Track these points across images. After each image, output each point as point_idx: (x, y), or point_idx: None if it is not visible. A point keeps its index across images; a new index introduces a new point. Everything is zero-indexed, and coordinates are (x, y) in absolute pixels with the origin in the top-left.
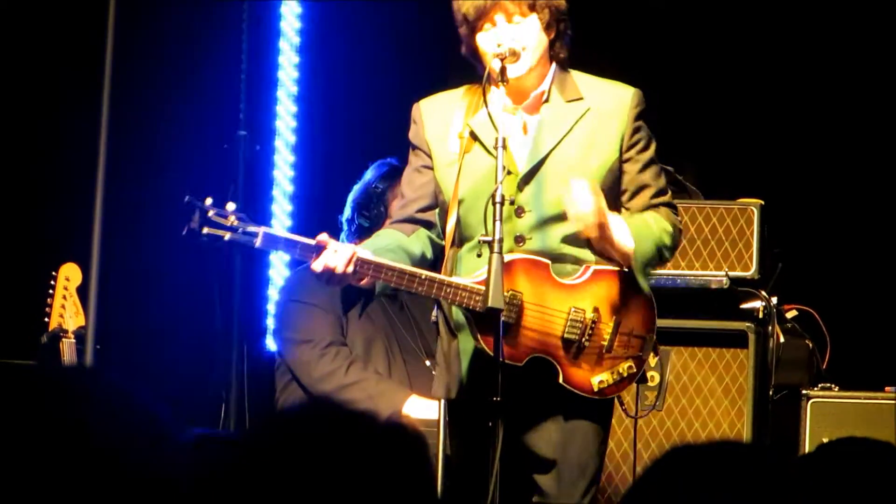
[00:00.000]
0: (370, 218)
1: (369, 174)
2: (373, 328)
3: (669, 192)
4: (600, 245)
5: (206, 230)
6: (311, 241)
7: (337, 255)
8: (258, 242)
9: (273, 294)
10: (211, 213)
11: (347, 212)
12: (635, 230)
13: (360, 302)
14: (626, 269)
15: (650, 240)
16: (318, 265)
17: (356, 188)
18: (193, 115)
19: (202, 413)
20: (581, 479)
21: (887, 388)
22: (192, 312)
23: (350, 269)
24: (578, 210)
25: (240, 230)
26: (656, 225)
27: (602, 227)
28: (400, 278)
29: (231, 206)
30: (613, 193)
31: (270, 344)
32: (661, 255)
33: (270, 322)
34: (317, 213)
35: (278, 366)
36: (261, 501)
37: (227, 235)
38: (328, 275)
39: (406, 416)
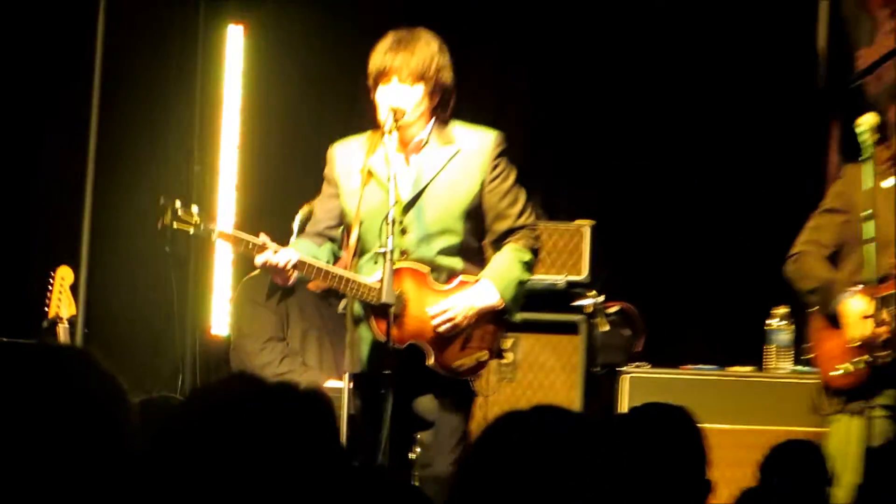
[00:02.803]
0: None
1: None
2: (308, 324)
3: (528, 213)
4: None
5: (175, 225)
6: (258, 240)
7: (277, 254)
8: (215, 236)
9: (221, 283)
10: (180, 212)
11: (295, 227)
12: (499, 284)
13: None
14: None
15: (512, 283)
16: (260, 259)
17: (303, 211)
18: (162, 141)
19: (164, 381)
20: (452, 437)
21: (682, 366)
22: (157, 302)
23: (287, 264)
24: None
25: (201, 226)
26: (515, 264)
27: (469, 318)
28: (319, 274)
29: (195, 208)
30: (479, 218)
31: (218, 325)
32: (524, 284)
33: (218, 305)
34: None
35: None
36: (200, 456)
37: (192, 230)
38: (268, 267)
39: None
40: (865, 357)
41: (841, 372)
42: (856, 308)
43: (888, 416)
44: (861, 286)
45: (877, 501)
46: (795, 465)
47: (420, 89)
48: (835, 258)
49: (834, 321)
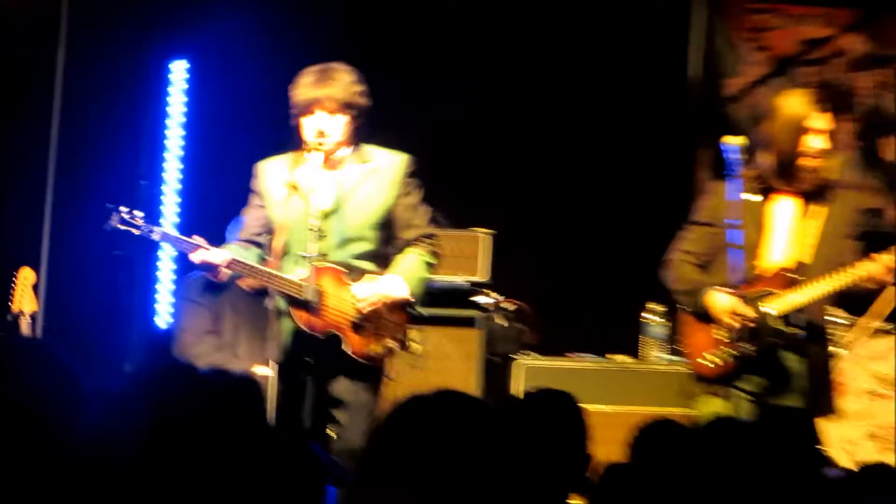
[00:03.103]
0: None
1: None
2: (239, 319)
3: (431, 225)
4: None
5: (122, 227)
6: (194, 241)
7: (211, 253)
8: (157, 237)
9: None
10: (126, 216)
11: (228, 235)
12: (408, 278)
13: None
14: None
15: (417, 280)
16: (196, 258)
17: (235, 221)
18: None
19: (115, 370)
20: (364, 415)
21: (567, 355)
22: (108, 299)
23: (221, 262)
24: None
25: (145, 228)
26: (420, 265)
27: (386, 305)
28: (249, 271)
29: (139, 213)
30: (389, 228)
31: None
32: (426, 283)
33: (162, 302)
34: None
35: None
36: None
37: (137, 231)
38: (204, 265)
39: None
40: (731, 349)
41: (707, 361)
42: (724, 306)
43: (750, 400)
44: (729, 287)
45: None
46: (660, 442)
47: (342, 118)
48: (705, 265)
49: (702, 317)
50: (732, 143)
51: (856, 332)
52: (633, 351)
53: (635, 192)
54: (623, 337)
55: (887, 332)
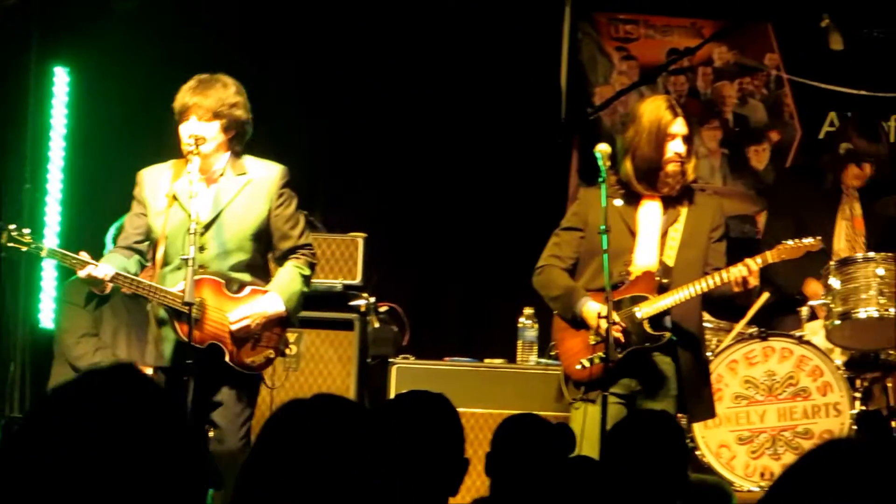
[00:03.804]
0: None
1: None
2: (118, 321)
3: (307, 234)
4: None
5: (10, 244)
6: (80, 258)
7: (97, 268)
8: (44, 254)
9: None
10: (14, 233)
11: (109, 240)
12: (284, 295)
13: (104, 301)
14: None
15: (294, 295)
16: (83, 273)
17: (115, 226)
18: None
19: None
20: (241, 418)
21: (445, 358)
22: None
23: (105, 277)
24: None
25: (33, 245)
26: (297, 279)
27: (261, 324)
28: (132, 285)
29: (27, 230)
30: (266, 238)
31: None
32: (303, 295)
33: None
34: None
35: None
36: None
37: (24, 248)
38: (89, 279)
39: None
40: (601, 353)
41: (581, 366)
42: (593, 311)
43: (620, 402)
44: (599, 292)
45: (615, 474)
46: (522, 437)
47: (216, 125)
48: (574, 270)
49: (574, 323)
50: (601, 150)
51: (730, 337)
52: (511, 355)
53: (512, 198)
54: (501, 341)
55: (761, 338)
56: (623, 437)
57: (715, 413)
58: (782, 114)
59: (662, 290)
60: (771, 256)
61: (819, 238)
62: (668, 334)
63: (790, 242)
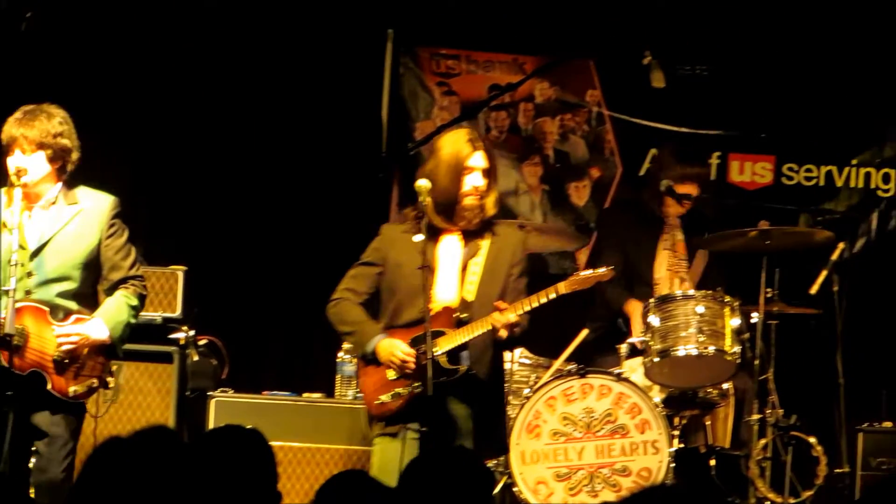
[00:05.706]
0: None
1: None
2: None
3: (138, 266)
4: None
5: None
6: None
7: None
8: None
9: None
10: None
11: None
12: (109, 323)
13: None
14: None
15: (120, 324)
16: None
17: None
18: None
19: None
20: (64, 448)
21: (264, 392)
22: None
23: None
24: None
25: None
26: (124, 308)
27: (85, 346)
28: None
29: None
30: (96, 268)
31: None
32: (130, 326)
33: None
34: None
35: None
36: None
37: None
38: None
39: None
40: (399, 389)
41: (380, 402)
42: (389, 347)
43: (420, 439)
44: (397, 327)
45: None
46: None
47: (41, 156)
48: (375, 305)
49: (372, 360)
50: (421, 186)
51: (549, 373)
52: (329, 389)
53: (333, 231)
54: (321, 375)
55: (579, 375)
56: (419, 473)
57: (507, 448)
58: (603, 150)
59: (461, 324)
60: (563, 288)
61: (611, 268)
62: (463, 367)
63: (582, 273)
